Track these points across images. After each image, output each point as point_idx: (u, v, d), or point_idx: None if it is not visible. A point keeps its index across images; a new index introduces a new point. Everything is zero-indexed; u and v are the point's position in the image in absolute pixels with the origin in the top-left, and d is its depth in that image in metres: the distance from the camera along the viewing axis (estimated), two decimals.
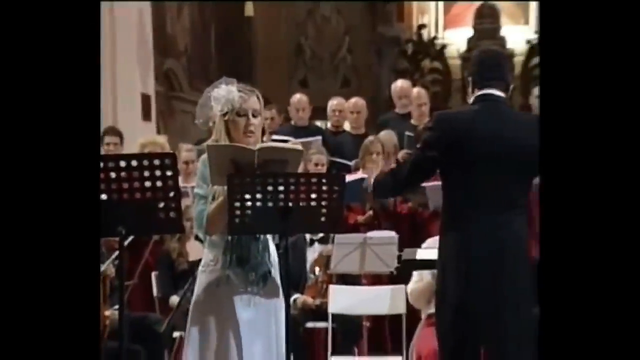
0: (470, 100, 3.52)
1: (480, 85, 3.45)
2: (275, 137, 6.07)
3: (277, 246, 3.18)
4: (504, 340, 3.29)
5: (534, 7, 12.40)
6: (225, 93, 3.09)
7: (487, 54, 3.71)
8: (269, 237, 3.17)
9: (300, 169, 5.40)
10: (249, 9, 10.90)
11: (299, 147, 3.26)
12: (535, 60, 12.08)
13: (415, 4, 12.68)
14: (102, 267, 4.21)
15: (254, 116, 3.11)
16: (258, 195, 2.87)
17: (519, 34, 12.21)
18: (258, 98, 3.16)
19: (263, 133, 3.26)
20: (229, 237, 3.07)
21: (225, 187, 2.95)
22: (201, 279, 3.16)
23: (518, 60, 11.99)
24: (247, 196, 2.88)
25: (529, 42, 12.19)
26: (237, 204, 2.87)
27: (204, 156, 3.08)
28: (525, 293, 3.35)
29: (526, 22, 12.44)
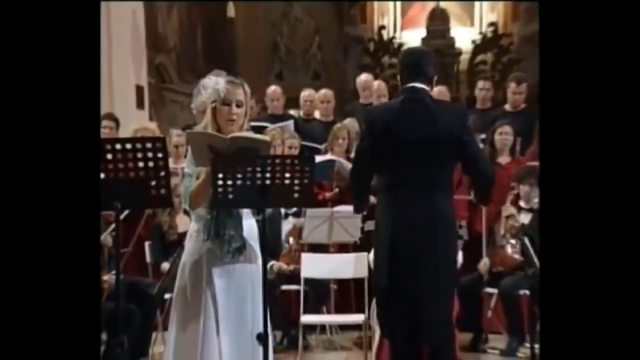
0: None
1: (406, 81, 3.44)
2: (253, 123, 6.02)
3: (257, 220, 3.16)
4: (425, 295, 3.30)
5: (478, 11, 12.45)
6: (213, 84, 3.06)
7: (408, 54, 3.69)
8: (245, 213, 3.14)
9: (279, 151, 5.41)
10: (231, 11, 10.85)
11: (267, 138, 3.23)
12: (480, 57, 12.13)
13: (376, 7, 12.67)
14: (101, 238, 4.17)
15: (237, 106, 3.09)
16: (239, 175, 2.84)
17: (465, 35, 12.23)
18: (244, 90, 3.12)
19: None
20: (209, 213, 3.06)
21: (206, 168, 2.93)
22: (188, 248, 3.15)
23: (465, 57, 12.03)
24: (229, 175, 2.85)
25: (473, 41, 12.23)
26: (220, 182, 2.84)
27: None
28: (444, 256, 3.36)
29: (472, 24, 12.48)
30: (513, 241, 4.86)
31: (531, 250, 4.40)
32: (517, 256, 4.87)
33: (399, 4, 12.63)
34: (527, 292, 4.73)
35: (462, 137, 3.36)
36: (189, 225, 3.24)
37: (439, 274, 3.31)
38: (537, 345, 4.24)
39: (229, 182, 2.85)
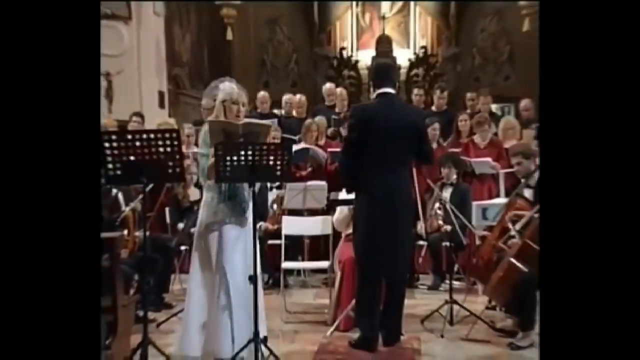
0: (373, 96, 3.51)
1: (378, 86, 3.43)
2: (246, 119, 5.95)
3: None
4: (395, 244, 3.35)
5: (412, 37, 12.44)
6: (229, 88, 3.11)
7: (379, 65, 3.78)
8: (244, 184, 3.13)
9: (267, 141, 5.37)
10: (229, 35, 10.68)
11: (270, 123, 3.26)
12: (414, 71, 12.14)
13: (338, 34, 12.63)
14: (132, 205, 4.12)
15: (242, 105, 3.13)
16: (235, 157, 2.83)
17: (403, 54, 12.22)
18: (246, 95, 3.20)
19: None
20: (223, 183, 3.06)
21: None
22: (203, 211, 3.16)
23: (403, 71, 12.01)
24: (228, 157, 2.83)
25: (409, 60, 12.24)
26: (221, 162, 2.82)
27: (206, 127, 3.05)
28: (408, 217, 3.48)
29: (408, 47, 12.48)
30: (439, 211, 4.94)
31: (451, 214, 4.45)
32: (440, 222, 4.97)
33: (355, 31, 12.57)
34: (448, 244, 4.82)
35: (422, 130, 3.53)
36: (198, 196, 3.22)
37: (407, 225, 3.46)
38: (454, 282, 4.32)
39: (228, 162, 2.83)
